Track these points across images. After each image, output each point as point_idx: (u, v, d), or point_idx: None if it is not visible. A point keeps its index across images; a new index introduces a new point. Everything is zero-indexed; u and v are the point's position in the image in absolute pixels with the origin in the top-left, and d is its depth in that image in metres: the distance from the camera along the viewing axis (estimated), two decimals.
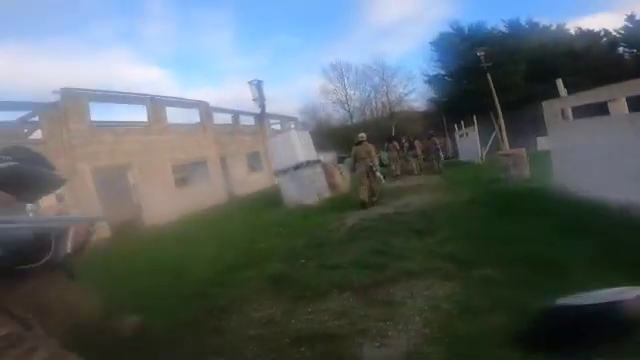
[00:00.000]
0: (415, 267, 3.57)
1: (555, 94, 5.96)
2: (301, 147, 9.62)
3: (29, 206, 1.53)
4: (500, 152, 8.41)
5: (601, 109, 5.00)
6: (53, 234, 1.34)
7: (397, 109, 32.47)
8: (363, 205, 7.59)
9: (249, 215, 9.21)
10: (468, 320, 2.37)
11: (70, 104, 10.29)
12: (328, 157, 17.59)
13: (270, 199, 10.82)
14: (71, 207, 9.31)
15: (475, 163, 14.81)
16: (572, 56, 25.00)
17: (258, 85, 20.02)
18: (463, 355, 1.97)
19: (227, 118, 18.29)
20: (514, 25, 29.40)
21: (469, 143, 16.62)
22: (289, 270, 4.10)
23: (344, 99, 33.40)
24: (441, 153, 15.01)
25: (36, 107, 10.08)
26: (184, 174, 13.86)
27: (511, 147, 19.25)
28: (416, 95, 32.90)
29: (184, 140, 13.61)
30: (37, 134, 10.40)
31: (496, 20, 34.43)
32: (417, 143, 15.35)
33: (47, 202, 5.49)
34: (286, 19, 56.72)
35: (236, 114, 18.54)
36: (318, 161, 10.42)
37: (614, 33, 26.96)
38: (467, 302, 2.69)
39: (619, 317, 0.62)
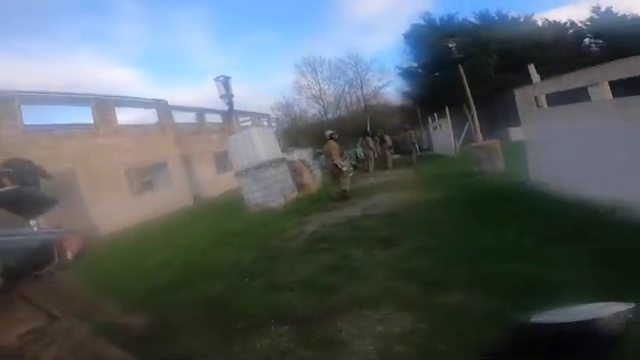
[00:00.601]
0: (372, 291, 2.97)
1: (527, 84, 5.49)
2: (263, 145, 8.82)
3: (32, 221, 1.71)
4: (473, 144, 7.96)
5: (578, 96, 4.52)
6: (55, 244, 1.56)
7: (372, 103, 32.02)
8: (334, 200, 7.73)
9: (208, 221, 8.37)
10: None
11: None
12: (304, 153, 17.07)
13: (236, 202, 9.98)
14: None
15: (449, 156, 14.47)
16: (541, 47, 25.26)
17: (225, 81, 18.91)
18: None
19: (192, 117, 17.16)
20: (484, 17, 29.50)
21: (443, 135, 16.29)
22: (228, 292, 3.57)
23: (318, 94, 32.64)
24: (417, 146, 15.06)
25: None
26: (141, 178, 12.72)
27: (484, 138, 19.19)
28: (391, 88, 32.72)
29: (139, 142, 12.45)
30: None
31: (467, 12, 34.48)
32: (387, 138, 15.16)
33: None
34: (260, 16, 54.95)
35: (201, 112, 17.40)
36: (283, 159, 9.66)
37: (580, 25, 27.49)
38: (429, 343, 2.08)
39: (596, 335, 0.51)
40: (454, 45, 24.45)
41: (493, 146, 7.19)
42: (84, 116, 11.38)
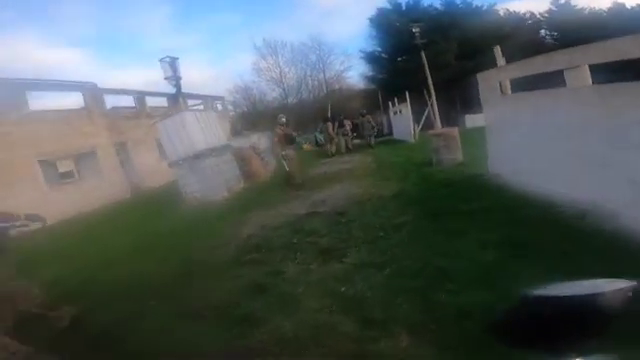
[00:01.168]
0: (298, 328, 2.24)
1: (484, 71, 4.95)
2: (202, 131, 7.70)
3: None
4: (432, 132, 7.44)
5: (543, 82, 4.01)
6: None
7: (334, 87, 31.11)
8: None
9: (130, 221, 7.16)
10: None
11: None
12: (262, 137, 16.10)
13: (175, 195, 8.79)
14: None
15: (408, 142, 14.11)
16: (499, 37, 25.69)
17: (172, 62, 17.12)
18: None
19: (130, 100, 15.22)
20: (449, 4, 29.39)
21: (403, 120, 15.90)
22: (122, 323, 2.80)
23: (278, 77, 31.05)
24: (375, 131, 15.67)
25: None
26: (63, 169, 10.94)
27: (442, 125, 19.21)
28: (354, 73, 31.94)
29: (58, 129, 10.61)
30: None
31: None
32: (346, 122, 15.38)
33: None
34: None
35: (140, 95, 15.45)
36: (227, 147, 8.60)
37: (539, 16, 28.22)
38: None
39: (596, 309, 0.52)
40: (418, 30, 24.19)
41: (451, 134, 6.69)
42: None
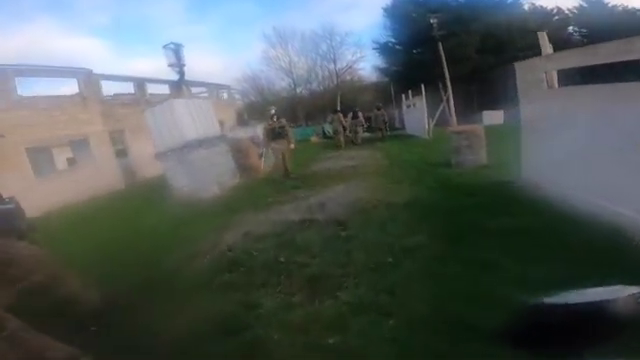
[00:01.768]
0: None
1: (508, 71, 4.09)
2: (192, 121, 6.93)
3: None
4: (452, 129, 6.50)
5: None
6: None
7: (345, 78, 29.91)
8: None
9: (105, 218, 6.39)
10: None
11: None
12: None
13: (167, 188, 8.09)
14: None
15: (422, 138, 13.12)
16: (524, 31, 24.20)
17: (176, 49, 16.47)
18: None
19: (129, 87, 14.55)
20: None
21: (416, 115, 14.87)
22: None
23: (288, 66, 29.99)
24: (387, 125, 15.64)
25: None
26: (53, 157, 10.35)
27: (458, 122, 18.17)
28: (366, 64, 30.70)
29: (49, 116, 9.99)
30: None
31: None
32: (360, 114, 15.17)
33: None
34: None
35: (140, 82, 14.75)
36: (222, 138, 7.84)
37: (567, 12, 26.51)
38: None
39: (610, 316, 0.52)
40: (436, 21, 23.00)
41: (475, 132, 5.74)
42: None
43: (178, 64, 16.58)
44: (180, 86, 16.90)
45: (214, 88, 20.44)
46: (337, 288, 2.59)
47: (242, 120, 21.53)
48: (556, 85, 3.81)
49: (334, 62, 29.47)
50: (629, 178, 2.67)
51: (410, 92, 16.46)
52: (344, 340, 2.01)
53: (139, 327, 2.38)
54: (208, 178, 6.88)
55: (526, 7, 27.34)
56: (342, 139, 14.21)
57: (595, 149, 3.00)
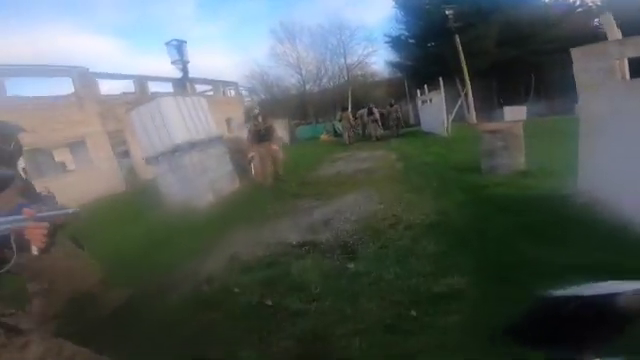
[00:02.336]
0: None
1: (532, 64, 3.20)
2: (184, 121, 6.20)
3: None
4: (483, 127, 5.48)
5: None
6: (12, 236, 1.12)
7: (356, 73, 28.85)
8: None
9: (101, 228, 5.78)
10: None
11: None
12: (279, 125, 14.85)
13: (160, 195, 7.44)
14: None
15: (441, 135, 12.08)
16: (546, 24, 22.64)
17: (178, 46, 15.95)
18: None
19: (130, 86, 14.05)
20: None
21: (433, 111, 13.77)
22: None
23: (296, 62, 29.12)
24: (401, 122, 15.91)
25: None
26: (46, 160, 9.84)
27: (478, 119, 17.06)
28: (378, 58, 29.52)
29: (41, 117, 9.48)
30: None
31: None
32: (375, 110, 14.98)
33: None
34: None
35: (141, 80, 14.21)
36: (219, 139, 7.10)
37: (591, 4, 24.81)
38: None
39: (617, 311, 0.53)
40: (451, 13, 21.74)
41: (512, 131, 4.75)
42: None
43: (181, 61, 16.10)
44: (184, 84, 16.36)
45: (221, 85, 19.82)
46: (338, 354, 1.78)
47: (250, 118, 20.92)
48: (628, 76, 2.89)
49: (344, 57, 28.52)
50: None
51: (426, 87, 15.42)
52: None
53: None
54: (201, 185, 6.16)
55: None
56: (349, 138, 14.60)
57: None
